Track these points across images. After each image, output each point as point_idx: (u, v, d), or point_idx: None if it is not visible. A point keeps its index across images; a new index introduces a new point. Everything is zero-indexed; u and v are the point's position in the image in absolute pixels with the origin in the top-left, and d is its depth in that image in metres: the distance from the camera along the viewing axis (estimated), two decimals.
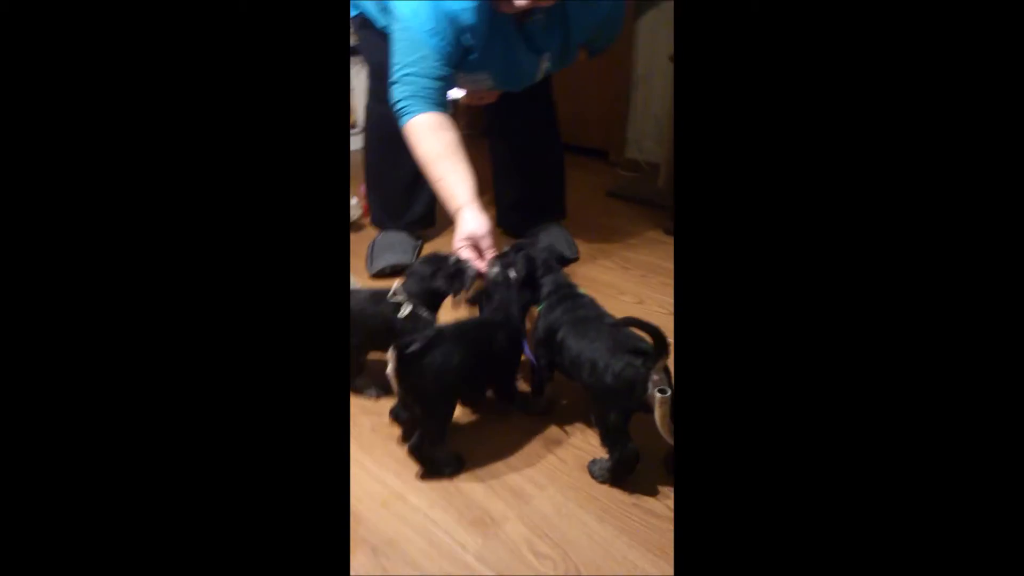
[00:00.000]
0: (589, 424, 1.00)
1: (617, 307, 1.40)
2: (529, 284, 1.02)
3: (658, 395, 0.78)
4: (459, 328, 0.94)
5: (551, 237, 1.64)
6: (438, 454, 0.92)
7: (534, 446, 0.98)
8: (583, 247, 1.68)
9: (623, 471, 0.88)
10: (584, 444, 0.98)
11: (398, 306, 1.03)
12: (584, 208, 1.93)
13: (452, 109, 1.26)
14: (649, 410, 0.81)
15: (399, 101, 1.19)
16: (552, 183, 1.70)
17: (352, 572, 0.76)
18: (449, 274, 1.05)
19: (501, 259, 1.05)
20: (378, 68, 1.36)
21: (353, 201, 1.75)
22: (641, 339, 0.86)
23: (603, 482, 0.90)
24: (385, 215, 1.64)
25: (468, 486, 0.91)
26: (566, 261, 1.57)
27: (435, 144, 1.17)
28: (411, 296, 1.04)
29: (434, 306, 1.06)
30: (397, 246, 1.57)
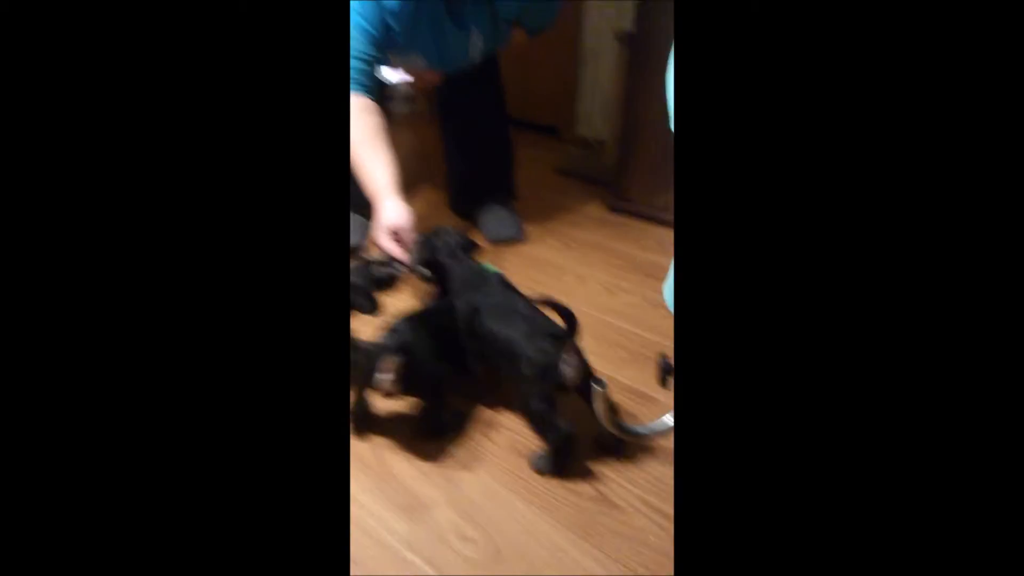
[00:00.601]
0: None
1: (558, 287, 1.42)
2: (435, 271, 1.03)
3: (595, 388, 0.79)
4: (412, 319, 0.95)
5: (497, 217, 1.64)
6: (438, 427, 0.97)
7: (467, 430, 1.00)
8: (530, 227, 1.68)
9: (562, 456, 0.88)
10: (517, 427, 0.99)
11: None
12: (533, 186, 1.93)
13: (389, 92, 1.24)
14: (566, 390, 0.82)
15: None
16: (499, 164, 1.69)
17: None
18: (376, 278, 1.05)
19: (418, 249, 1.05)
20: None
21: None
22: (556, 323, 0.87)
23: (549, 474, 0.89)
24: (357, 202, 1.62)
25: (402, 471, 0.92)
26: (471, 246, 1.52)
27: (358, 128, 1.15)
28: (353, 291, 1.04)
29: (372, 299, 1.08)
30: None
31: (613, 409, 0.81)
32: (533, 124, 2.47)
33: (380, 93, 1.23)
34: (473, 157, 1.65)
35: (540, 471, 0.90)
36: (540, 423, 0.87)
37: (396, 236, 1.11)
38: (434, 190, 1.86)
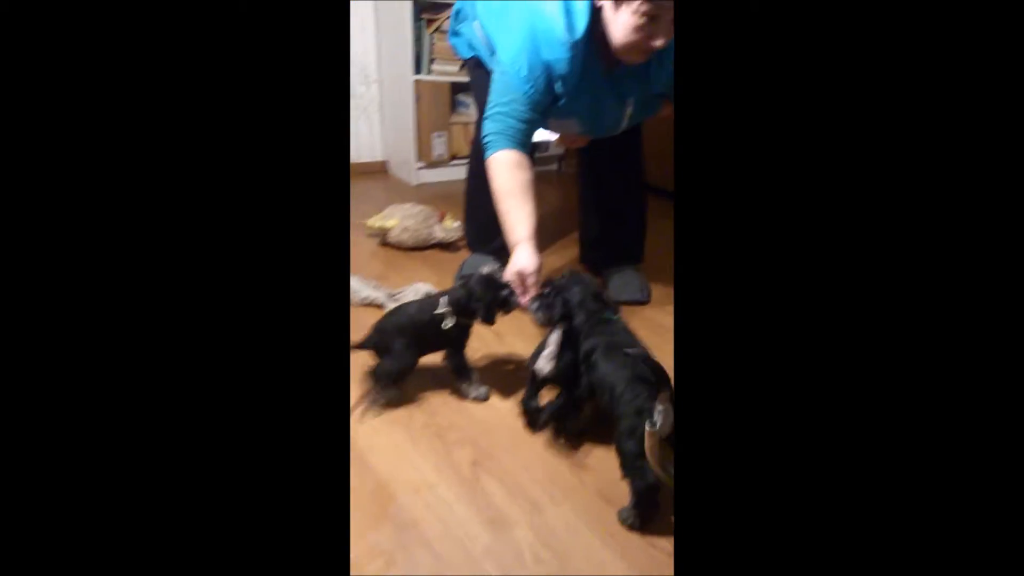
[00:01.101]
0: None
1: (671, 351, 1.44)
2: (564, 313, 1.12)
3: (647, 428, 0.83)
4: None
5: (624, 279, 1.70)
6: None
7: (560, 465, 1.06)
8: (657, 290, 1.72)
9: (646, 504, 0.91)
10: (607, 471, 1.04)
11: (443, 315, 1.16)
12: (664, 252, 1.97)
13: (542, 151, 1.38)
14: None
15: (487, 136, 1.33)
16: (631, 227, 1.77)
17: (374, 544, 0.88)
18: (490, 301, 1.16)
19: (541, 299, 1.15)
20: (484, 104, 1.51)
21: (456, 224, 1.92)
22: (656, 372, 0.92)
23: (633, 526, 0.92)
24: (477, 239, 1.79)
25: (493, 489, 1.00)
26: (603, 300, 1.57)
27: (508, 180, 1.30)
28: (454, 307, 1.17)
29: (469, 317, 1.19)
30: (481, 267, 1.71)
31: (666, 454, 0.84)
32: (670, 192, 2.52)
33: (532, 151, 1.38)
34: (607, 217, 1.75)
35: (624, 523, 0.93)
36: (629, 465, 0.91)
37: (522, 279, 1.22)
38: (570, 245, 1.98)
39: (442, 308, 1.17)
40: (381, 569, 0.84)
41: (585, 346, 1.06)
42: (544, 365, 1.06)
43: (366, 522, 0.91)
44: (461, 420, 1.16)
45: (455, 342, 1.20)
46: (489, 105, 1.33)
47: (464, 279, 1.21)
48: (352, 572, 0.83)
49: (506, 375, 1.32)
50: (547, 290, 1.16)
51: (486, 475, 1.03)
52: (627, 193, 1.73)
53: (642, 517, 0.92)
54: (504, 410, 1.20)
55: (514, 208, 1.29)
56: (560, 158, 3.04)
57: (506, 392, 1.24)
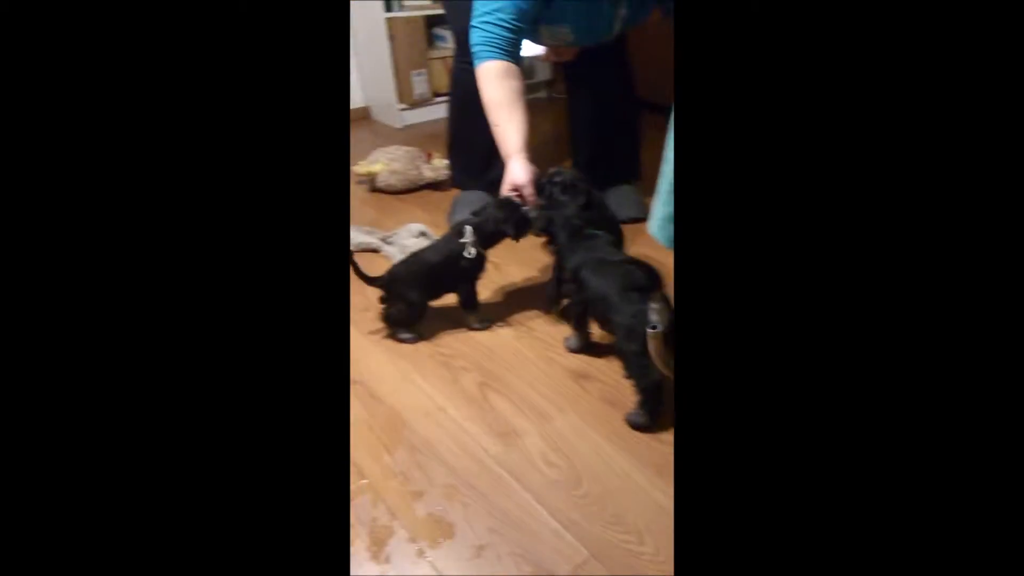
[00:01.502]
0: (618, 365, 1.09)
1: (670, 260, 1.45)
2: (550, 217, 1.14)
3: (649, 331, 0.85)
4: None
5: (621, 197, 1.69)
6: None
7: (564, 377, 1.09)
8: None
9: (653, 402, 0.94)
10: (610, 380, 1.07)
11: (462, 247, 1.17)
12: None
13: (528, 77, 1.35)
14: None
15: (474, 47, 1.29)
16: (625, 142, 1.74)
17: (388, 465, 0.92)
18: (516, 221, 1.17)
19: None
20: (463, 35, 1.46)
21: (444, 162, 1.90)
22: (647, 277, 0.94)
23: (643, 424, 0.95)
24: (466, 176, 1.77)
25: (501, 405, 1.03)
26: (583, 183, 1.36)
27: (497, 91, 1.27)
28: (480, 235, 1.18)
29: (490, 245, 1.21)
30: (476, 204, 1.70)
31: (670, 352, 0.86)
32: (662, 106, 2.47)
33: (519, 63, 1.34)
34: (599, 135, 1.72)
35: (633, 425, 0.96)
36: (632, 366, 0.94)
37: (518, 193, 1.22)
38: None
39: (467, 237, 1.17)
40: (398, 487, 0.88)
41: (571, 263, 1.07)
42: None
43: (379, 447, 0.95)
44: (466, 348, 1.19)
45: (470, 274, 1.21)
46: (475, 15, 1.29)
47: (481, 210, 1.22)
48: (366, 488, 0.87)
49: (507, 303, 1.34)
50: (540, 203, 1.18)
51: (494, 394, 1.06)
52: (619, 107, 1.69)
53: (650, 414, 0.95)
54: (507, 335, 1.22)
55: (503, 120, 1.27)
56: (548, 83, 2.97)
57: (508, 319, 1.27)
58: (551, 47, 1.55)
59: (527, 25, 1.30)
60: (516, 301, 1.33)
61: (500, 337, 1.22)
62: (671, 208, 0.54)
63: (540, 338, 1.20)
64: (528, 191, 1.21)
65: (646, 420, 0.95)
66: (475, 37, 1.29)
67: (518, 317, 1.27)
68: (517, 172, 1.22)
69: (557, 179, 1.17)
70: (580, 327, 1.13)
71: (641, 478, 0.87)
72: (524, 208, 1.21)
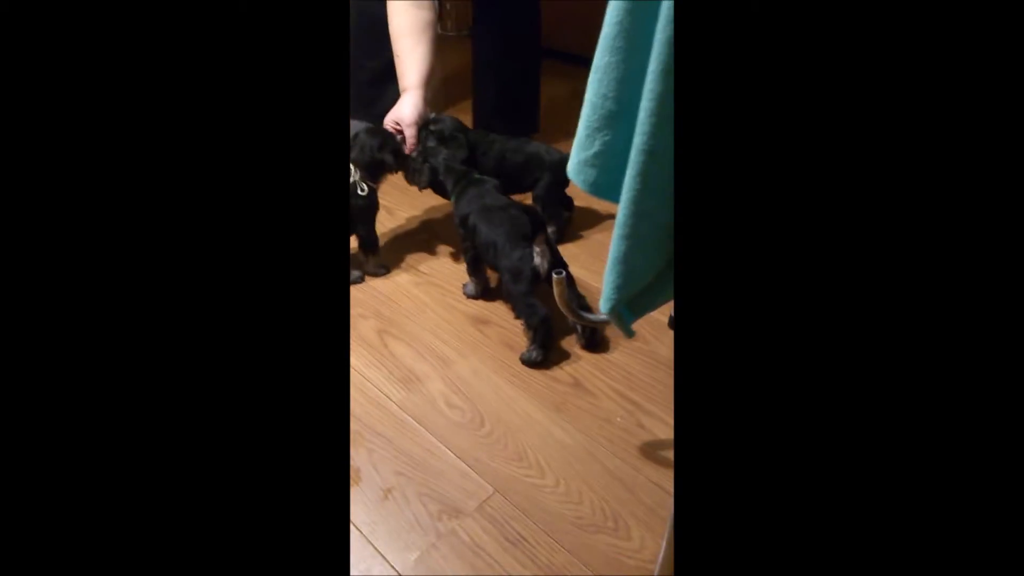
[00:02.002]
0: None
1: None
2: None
3: (554, 275, 0.88)
4: None
5: None
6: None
7: (464, 323, 1.10)
8: None
9: (543, 337, 0.99)
10: (508, 325, 1.10)
11: (353, 186, 1.12)
12: (558, 117, 1.97)
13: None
14: (540, 279, 0.93)
15: None
16: (528, 92, 1.74)
17: None
18: (393, 148, 1.14)
19: (410, 162, 1.17)
20: None
21: None
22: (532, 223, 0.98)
23: (537, 360, 0.99)
24: (355, 104, 1.69)
25: (401, 351, 1.03)
26: (463, 130, 1.39)
27: (404, 19, 1.22)
28: (356, 166, 1.13)
29: (376, 177, 1.16)
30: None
31: (573, 296, 0.91)
32: (565, 53, 2.48)
33: None
34: (500, 84, 1.70)
35: (527, 363, 1.00)
36: (520, 305, 0.98)
37: (398, 128, 1.19)
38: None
39: (354, 176, 1.12)
40: None
41: (460, 211, 1.08)
42: None
43: None
44: (362, 295, 1.17)
45: (366, 213, 1.17)
46: None
47: (353, 138, 1.16)
48: None
49: (402, 248, 1.31)
50: (416, 153, 1.16)
51: (393, 340, 1.05)
52: (522, 57, 1.68)
53: (542, 348, 1.00)
54: (405, 281, 1.21)
55: (406, 50, 1.22)
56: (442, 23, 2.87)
57: (404, 264, 1.25)
58: None
59: None
60: (411, 246, 1.31)
61: (398, 284, 1.20)
62: (589, 152, 0.55)
63: (438, 284, 1.20)
64: (410, 132, 1.18)
65: (539, 355, 0.99)
66: None
67: (414, 263, 1.26)
68: (406, 108, 1.18)
69: (434, 127, 1.16)
70: (476, 273, 1.15)
71: (541, 416, 0.92)
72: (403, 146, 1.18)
